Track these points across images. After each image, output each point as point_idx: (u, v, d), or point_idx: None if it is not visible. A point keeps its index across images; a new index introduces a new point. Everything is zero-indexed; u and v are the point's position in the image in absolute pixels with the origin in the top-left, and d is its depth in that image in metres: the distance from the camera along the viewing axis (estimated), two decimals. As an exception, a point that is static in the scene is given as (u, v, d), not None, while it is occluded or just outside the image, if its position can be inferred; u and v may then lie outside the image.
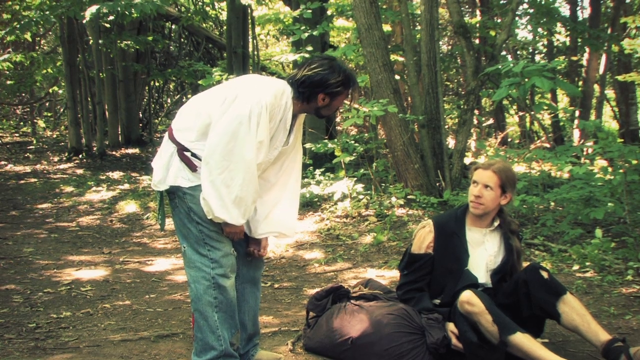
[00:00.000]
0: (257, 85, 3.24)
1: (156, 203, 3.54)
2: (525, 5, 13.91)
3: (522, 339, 3.25)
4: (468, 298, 3.38)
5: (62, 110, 24.99)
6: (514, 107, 18.86)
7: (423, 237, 3.82)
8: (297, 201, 3.63)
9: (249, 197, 3.16)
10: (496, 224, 3.80)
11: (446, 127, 12.10)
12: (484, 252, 3.78)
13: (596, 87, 18.69)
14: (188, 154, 3.22)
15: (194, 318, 3.29)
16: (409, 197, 8.19)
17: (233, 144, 3.05)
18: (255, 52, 16.80)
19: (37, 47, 22.49)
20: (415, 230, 3.95)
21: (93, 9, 11.33)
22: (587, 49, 17.21)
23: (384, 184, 9.10)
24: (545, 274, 3.51)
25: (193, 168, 3.21)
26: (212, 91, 3.34)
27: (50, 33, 22.37)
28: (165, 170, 3.29)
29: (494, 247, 3.80)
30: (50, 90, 23.93)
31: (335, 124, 14.59)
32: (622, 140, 16.43)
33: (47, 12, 12.46)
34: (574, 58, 19.30)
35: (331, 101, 3.37)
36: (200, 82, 13.32)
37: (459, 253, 3.73)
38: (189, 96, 20.77)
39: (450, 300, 3.67)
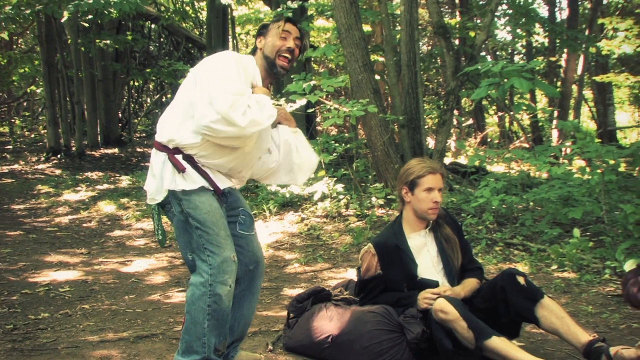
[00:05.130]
0: (215, 55, 3.32)
1: (153, 216, 3.46)
2: (505, 6, 14.01)
3: (498, 343, 3.25)
4: (442, 306, 3.37)
5: (40, 109, 24.82)
6: (494, 107, 19.01)
7: (368, 262, 3.81)
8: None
9: (260, 116, 3.12)
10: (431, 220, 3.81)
11: (426, 127, 12.15)
12: (427, 255, 3.79)
13: (574, 87, 18.85)
14: (179, 156, 3.21)
15: (185, 317, 3.26)
16: (389, 197, 8.20)
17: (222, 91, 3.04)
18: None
19: (14, 46, 22.31)
20: (360, 255, 3.95)
21: (71, 5, 11.26)
22: (565, 50, 17.37)
23: (364, 184, 9.12)
24: (521, 280, 3.50)
25: (180, 169, 3.19)
26: (178, 93, 3.35)
27: (28, 32, 22.18)
28: (160, 180, 3.25)
29: (434, 246, 3.81)
30: (28, 90, 23.77)
31: (315, 123, 14.58)
32: (600, 140, 16.57)
33: (24, 9, 12.34)
34: (553, 59, 19.48)
35: (265, 38, 3.43)
36: (180, 81, 13.29)
37: (407, 264, 3.73)
38: (169, 96, 20.75)
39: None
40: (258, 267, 3.54)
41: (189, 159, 3.22)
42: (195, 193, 3.19)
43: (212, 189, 3.26)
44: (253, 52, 3.46)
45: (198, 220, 3.18)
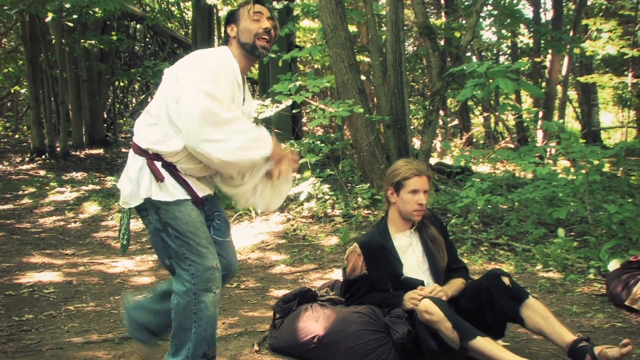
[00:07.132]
0: (197, 61, 3.15)
1: (122, 219, 3.30)
2: (490, 7, 14.06)
3: (482, 343, 3.26)
4: (426, 307, 3.38)
5: (24, 110, 24.66)
6: (479, 107, 19.07)
7: (354, 262, 3.82)
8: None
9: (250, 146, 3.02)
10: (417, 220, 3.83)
11: (412, 127, 12.17)
12: (412, 254, 3.80)
13: (559, 88, 18.95)
14: (158, 164, 3.07)
15: (172, 324, 3.22)
16: (374, 197, 8.21)
17: (211, 119, 2.91)
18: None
19: (-2, 46, 22.18)
20: (345, 255, 3.95)
21: (55, 2, 11.21)
22: (550, 51, 17.46)
23: (350, 185, 9.12)
24: (506, 280, 3.52)
25: (159, 178, 3.05)
26: (157, 95, 3.24)
27: (12, 32, 22.02)
28: (136, 185, 3.11)
29: (419, 246, 3.83)
30: (12, 90, 23.60)
31: (301, 124, 14.58)
32: (584, 140, 16.66)
33: (7, 8, 12.25)
34: (537, 59, 19.57)
35: (237, 25, 3.22)
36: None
37: (393, 264, 3.74)
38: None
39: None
40: (229, 274, 3.43)
41: (170, 166, 3.09)
42: (174, 203, 3.07)
43: (190, 198, 3.13)
44: (226, 42, 3.28)
45: (177, 230, 3.08)
